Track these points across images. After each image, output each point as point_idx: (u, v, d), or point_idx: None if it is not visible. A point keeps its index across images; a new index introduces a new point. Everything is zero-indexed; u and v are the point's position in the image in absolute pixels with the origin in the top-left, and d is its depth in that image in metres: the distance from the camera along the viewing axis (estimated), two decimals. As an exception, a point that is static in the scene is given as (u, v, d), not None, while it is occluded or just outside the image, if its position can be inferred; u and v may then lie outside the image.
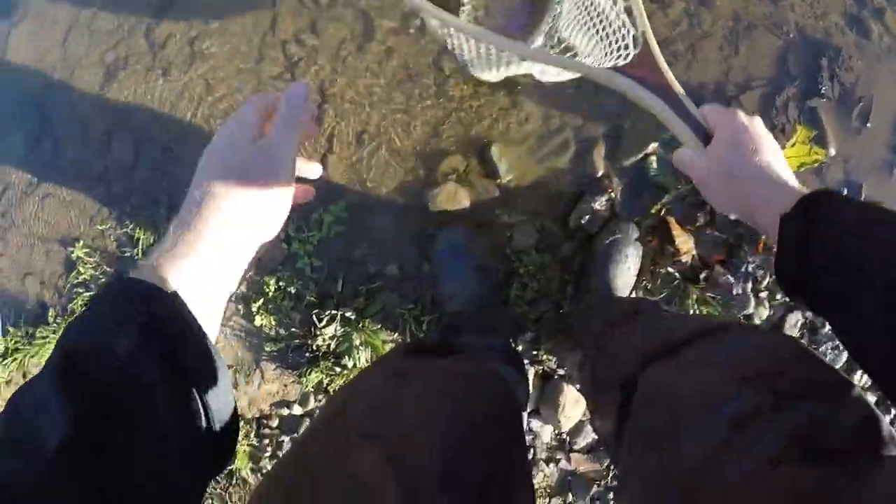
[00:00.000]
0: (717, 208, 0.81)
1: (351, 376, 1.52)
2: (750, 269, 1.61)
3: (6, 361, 2.11)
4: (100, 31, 1.81)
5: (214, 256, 0.54)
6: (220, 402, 0.50)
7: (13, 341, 2.08)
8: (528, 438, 1.58)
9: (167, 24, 1.70)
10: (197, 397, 0.48)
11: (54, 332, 1.93)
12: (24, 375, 2.14)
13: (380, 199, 1.51)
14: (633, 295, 1.50)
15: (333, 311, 1.50)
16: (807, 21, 1.52)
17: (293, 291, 1.53)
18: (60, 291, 1.94)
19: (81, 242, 1.83)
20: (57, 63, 1.88)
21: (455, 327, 1.26)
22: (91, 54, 1.81)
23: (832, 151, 1.50)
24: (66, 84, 1.85)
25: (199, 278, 0.53)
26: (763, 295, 1.59)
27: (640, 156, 1.55)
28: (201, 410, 0.48)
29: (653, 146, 1.53)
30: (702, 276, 1.64)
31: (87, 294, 1.84)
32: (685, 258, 1.63)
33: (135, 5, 1.75)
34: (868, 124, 1.50)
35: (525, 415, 1.53)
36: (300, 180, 0.67)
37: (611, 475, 1.60)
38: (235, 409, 0.55)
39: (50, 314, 1.98)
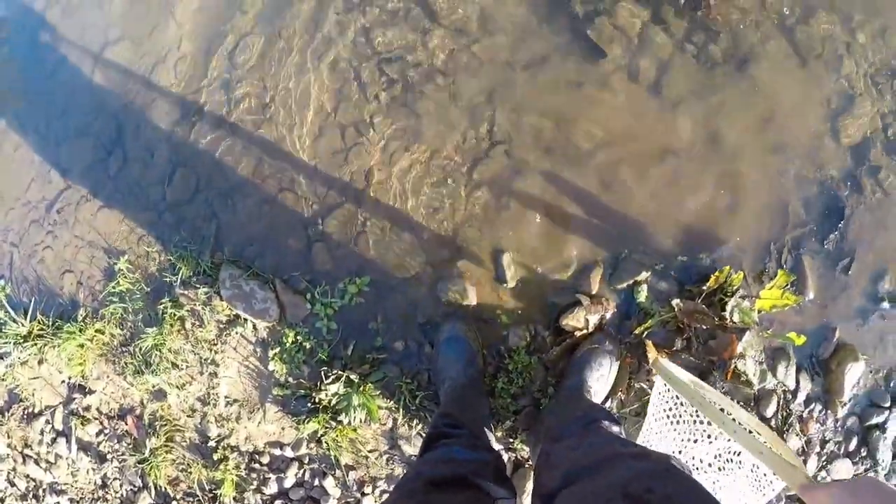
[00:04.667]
0: None
1: (344, 432, 1.70)
2: (718, 393, 1.78)
3: (27, 344, 2.28)
4: (184, 73, 2.05)
5: None
6: None
7: (38, 327, 2.25)
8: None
9: (246, 85, 1.93)
10: None
11: (81, 331, 2.11)
12: (41, 362, 2.31)
13: (400, 281, 1.71)
14: (609, 402, 1.68)
15: (340, 372, 1.68)
16: (807, 175, 1.68)
17: (308, 347, 1.72)
18: (95, 295, 2.12)
19: (126, 257, 2.02)
20: (141, 90, 2.11)
21: (448, 426, 1.45)
22: (172, 92, 2.04)
23: (811, 295, 1.67)
24: (145, 111, 2.08)
25: None
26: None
27: (632, 282, 1.72)
28: None
29: (644, 275, 1.70)
30: (672, 395, 1.81)
31: (120, 305, 2.03)
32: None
33: (221, 62, 1.99)
34: (849, 273, 1.67)
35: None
36: None
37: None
38: None
39: (80, 313, 2.16)
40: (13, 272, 2.39)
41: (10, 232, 2.40)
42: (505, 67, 1.76)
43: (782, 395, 1.70)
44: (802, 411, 1.71)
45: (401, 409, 1.68)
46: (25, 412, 2.40)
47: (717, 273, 1.63)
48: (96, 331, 2.09)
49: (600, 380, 1.65)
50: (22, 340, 2.30)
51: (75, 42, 2.30)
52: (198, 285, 1.85)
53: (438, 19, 1.82)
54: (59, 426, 2.28)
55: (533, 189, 1.69)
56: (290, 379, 1.75)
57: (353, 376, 1.68)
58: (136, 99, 2.10)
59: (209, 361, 1.85)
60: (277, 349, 1.75)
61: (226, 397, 1.84)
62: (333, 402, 1.68)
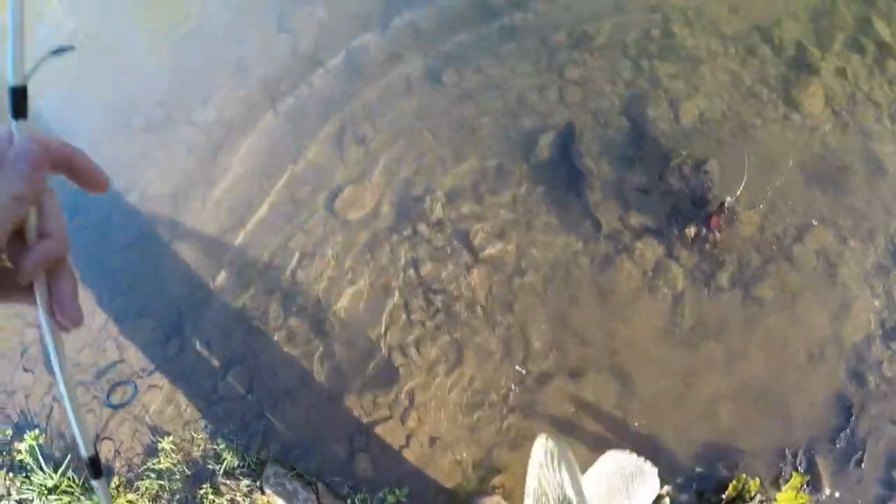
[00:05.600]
0: None
1: None
2: None
3: (52, 497, 2.36)
4: (246, 280, 2.33)
5: None
6: None
7: (67, 483, 2.35)
8: None
9: (303, 300, 2.22)
10: None
11: (113, 499, 2.21)
12: (64, 520, 2.38)
13: (437, 494, 1.90)
14: None
15: (371, 582, 1.82)
16: (814, 380, 1.86)
17: (343, 553, 1.86)
18: (133, 467, 2.25)
19: (171, 438, 2.18)
20: (206, 285, 2.37)
21: None
22: (234, 295, 2.31)
23: (827, 492, 1.79)
24: (207, 305, 2.33)
25: None
26: None
27: (655, 497, 1.90)
28: None
29: (666, 488, 1.88)
30: None
31: (158, 482, 2.16)
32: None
33: (282, 275, 2.29)
34: (862, 465, 1.79)
35: None
36: None
37: None
38: None
39: (114, 481, 2.27)
40: (50, 425, 2.51)
41: (54, 387, 2.54)
42: (538, 301, 2.07)
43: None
44: None
45: None
46: (35, 567, 2.41)
47: (734, 481, 1.80)
48: (128, 501, 2.19)
49: None
50: (47, 492, 2.38)
51: (148, 227, 2.60)
52: (241, 477, 2.01)
53: (478, 256, 2.16)
54: (70, 591, 2.30)
55: (560, 412, 1.94)
56: (323, 584, 1.87)
57: (383, 587, 1.81)
58: (200, 292, 2.36)
59: (243, 554, 1.97)
60: (313, 552, 1.89)
61: (255, 593, 1.94)
62: None
